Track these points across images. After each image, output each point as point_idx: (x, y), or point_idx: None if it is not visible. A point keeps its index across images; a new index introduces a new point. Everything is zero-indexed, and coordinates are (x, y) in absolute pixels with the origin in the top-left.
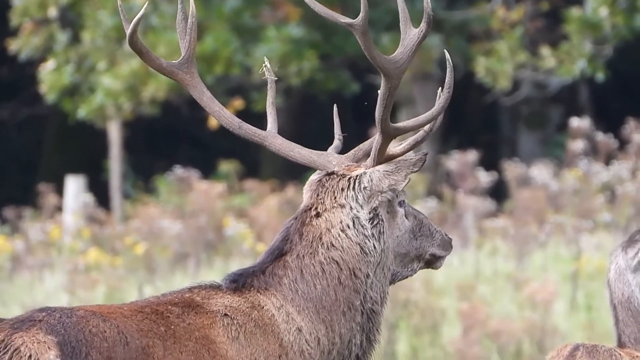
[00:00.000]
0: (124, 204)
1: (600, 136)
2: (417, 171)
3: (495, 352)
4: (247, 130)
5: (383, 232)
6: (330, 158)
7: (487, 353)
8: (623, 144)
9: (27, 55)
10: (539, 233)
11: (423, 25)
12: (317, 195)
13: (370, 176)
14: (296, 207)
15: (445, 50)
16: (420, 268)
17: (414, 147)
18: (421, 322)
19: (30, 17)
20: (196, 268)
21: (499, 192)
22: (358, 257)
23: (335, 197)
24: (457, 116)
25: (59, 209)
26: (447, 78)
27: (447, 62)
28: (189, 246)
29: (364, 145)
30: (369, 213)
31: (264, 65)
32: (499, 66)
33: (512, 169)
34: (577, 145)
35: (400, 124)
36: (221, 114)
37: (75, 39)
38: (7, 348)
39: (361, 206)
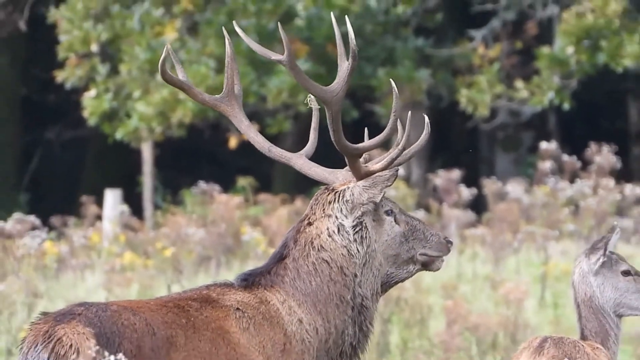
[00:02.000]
0: (155, 214)
1: (566, 157)
2: (390, 185)
3: (474, 343)
4: (276, 152)
5: (366, 237)
6: (338, 175)
7: (467, 344)
8: (586, 164)
9: (72, 84)
10: (512, 241)
11: (350, 60)
12: (311, 207)
13: (352, 190)
14: None
15: (390, 79)
16: (418, 270)
17: (390, 162)
18: (411, 317)
19: (75, 51)
20: (217, 269)
21: (478, 205)
22: (345, 257)
23: (324, 209)
24: (443, 139)
25: (98, 217)
26: (393, 103)
27: (394, 92)
28: (211, 250)
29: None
30: (353, 221)
31: (308, 97)
32: (479, 96)
33: (489, 185)
34: (546, 165)
35: (359, 145)
36: (255, 139)
37: (114, 71)
38: (51, 338)
39: (345, 216)
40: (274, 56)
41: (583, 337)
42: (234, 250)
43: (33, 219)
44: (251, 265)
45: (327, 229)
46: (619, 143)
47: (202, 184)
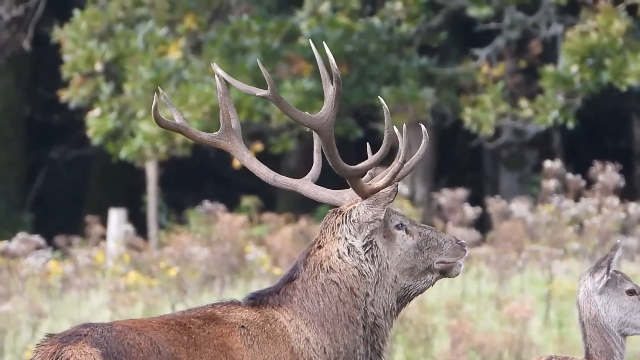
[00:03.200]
0: (159, 233)
1: (570, 176)
2: (392, 201)
3: None
4: (281, 181)
5: (377, 255)
6: (345, 195)
7: None
8: (590, 183)
9: (76, 103)
10: (517, 259)
11: (334, 84)
12: (321, 232)
13: (357, 210)
14: (308, 236)
15: (379, 97)
16: (437, 279)
17: (392, 177)
18: (415, 336)
19: (79, 71)
20: (221, 288)
21: (482, 224)
22: (355, 278)
23: (333, 232)
24: (447, 158)
25: (103, 237)
26: (385, 120)
27: (384, 109)
28: (215, 269)
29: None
30: (363, 241)
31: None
32: (483, 115)
33: (494, 204)
34: (550, 183)
35: (358, 165)
36: (259, 170)
37: (118, 90)
38: (58, 359)
39: (355, 236)
40: (259, 92)
41: (588, 356)
42: (239, 269)
43: (37, 238)
44: (255, 284)
45: (337, 250)
46: (623, 162)
47: (206, 204)
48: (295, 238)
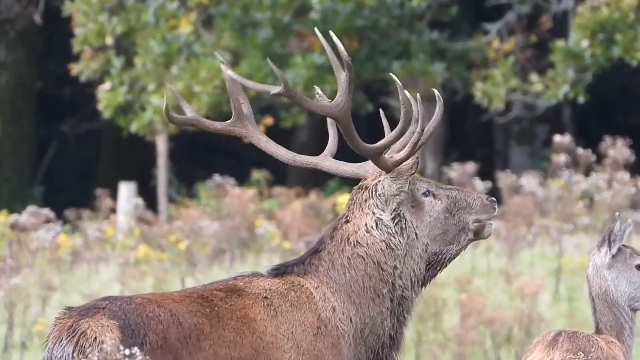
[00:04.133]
0: (169, 207)
1: (581, 151)
2: (414, 173)
3: (489, 337)
4: (301, 160)
5: (405, 227)
6: (367, 167)
7: (481, 337)
8: (600, 157)
9: (86, 77)
10: (527, 234)
11: (346, 70)
12: (348, 208)
13: (382, 184)
14: (318, 210)
15: (391, 74)
16: (470, 240)
17: (413, 147)
18: (425, 311)
19: (90, 44)
20: (231, 262)
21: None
22: (383, 252)
23: (361, 207)
24: (458, 133)
25: (113, 210)
26: (400, 96)
27: (398, 85)
28: (225, 243)
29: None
30: (390, 214)
31: (316, 93)
32: (493, 90)
33: (504, 179)
34: (560, 158)
35: (378, 143)
36: (277, 152)
37: (129, 64)
38: (75, 332)
39: (382, 210)
40: (273, 90)
41: (598, 331)
42: (248, 243)
43: (47, 212)
44: (265, 258)
45: (366, 224)
46: (633, 136)
47: (216, 177)
48: (305, 212)
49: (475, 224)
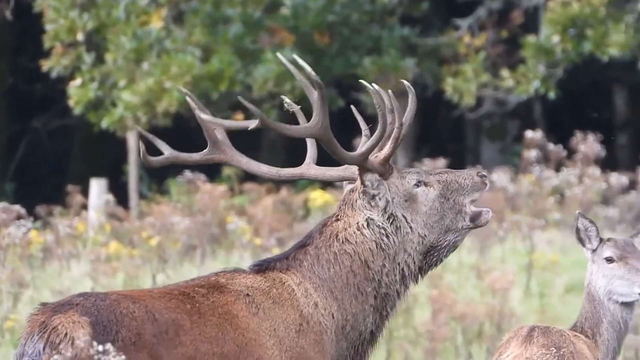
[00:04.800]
0: (140, 203)
1: (552, 146)
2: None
3: (460, 332)
4: (286, 174)
5: (400, 226)
6: (354, 169)
7: (453, 333)
8: (571, 153)
9: (57, 73)
10: (498, 230)
11: (317, 90)
12: (340, 207)
13: (372, 184)
14: (289, 206)
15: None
16: (468, 228)
17: (395, 142)
18: None
19: (61, 40)
20: (202, 258)
21: None
22: (372, 251)
23: (353, 207)
24: (429, 129)
25: (84, 207)
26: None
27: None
28: (196, 239)
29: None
30: (382, 214)
31: (284, 102)
32: (464, 85)
33: None
34: (531, 154)
35: (362, 150)
36: (260, 170)
37: (100, 60)
38: (46, 328)
39: (373, 210)
40: (251, 125)
41: (574, 326)
42: (220, 239)
43: (18, 208)
44: (236, 254)
45: (357, 223)
46: (604, 132)
47: (187, 173)
48: (276, 208)
49: (473, 209)
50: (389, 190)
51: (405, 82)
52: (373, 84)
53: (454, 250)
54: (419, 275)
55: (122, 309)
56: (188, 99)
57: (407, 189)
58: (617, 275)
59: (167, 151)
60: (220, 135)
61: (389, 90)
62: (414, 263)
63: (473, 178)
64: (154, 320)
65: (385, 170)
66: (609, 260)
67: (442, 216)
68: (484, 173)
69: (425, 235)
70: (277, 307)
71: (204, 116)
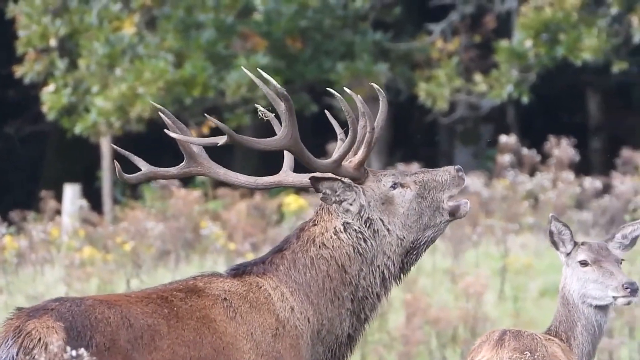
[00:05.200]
0: (114, 208)
1: (525, 151)
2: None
3: (434, 336)
4: (263, 182)
5: (377, 229)
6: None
7: (427, 337)
8: (545, 157)
9: (30, 79)
10: (472, 234)
11: (283, 102)
12: (316, 212)
13: (347, 190)
14: (263, 211)
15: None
16: (447, 222)
17: (369, 146)
18: None
19: (33, 46)
20: (176, 263)
21: None
22: (349, 256)
23: (330, 213)
24: (402, 133)
25: (58, 212)
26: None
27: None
28: (170, 244)
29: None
30: (360, 218)
31: (259, 110)
32: (437, 90)
33: None
34: (505, 158)
35: (335, 157)
36: (238, 180)
37: (73, 66)
38: (20, 332)
39: (345, 214)
40: (220, 142)
41: (548, 330)
42: (194, 244)
43: None
44: (210, 259)
45: (335, 227)
46: (578, 136)
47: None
48: (250, 213)
49: (451, 204)
50: (364, 194)
51: (375, 85)
52: (345, 88)
53: (432, 244)
54: (401, 275)
55: (97, 314)
56: (162, 115)
57: (383, 191)
58: (591, 279)
59: (144, 167)
60: (196, 147)
61: (358, 96)
62: (394, 265)
63: (451, 173)
64: (129, 326)
65: (360, 174)
66: (583, 263)
67: (420, 215)
68: (460, 167)
69: (404, 237)
70: (254, 311)
71: (173, 135)
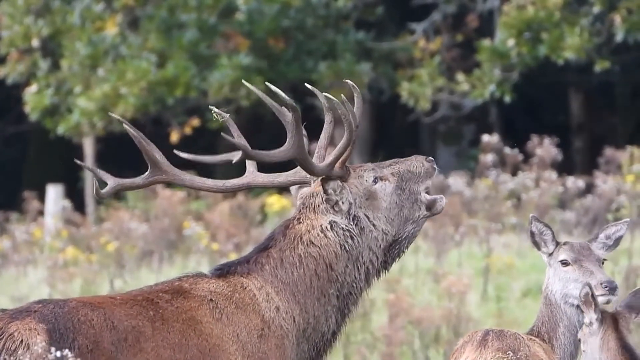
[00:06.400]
0: (98, 209)
1: (508, 150)
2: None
3: (417, 337)
4: (232, 185)
5: (363, 225)
6: (302, 172)
7: (410, 337)
8: (527, 157)
9: (13, 79)
10: (455, 234)
11: (291, 112)
12: (300, 210)
13: (332, 188)
14: (246, 212)
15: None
16: (425, 216)
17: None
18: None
19: (16, 47)
20: (160, 264)
21: None
22: (336, 254)
23: (315, 211)
24: (384, 133)
25: (40, 213)
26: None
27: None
28: (154, 245)
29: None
30: (345, 217)
31: (213, 112)
32: (420, 90)
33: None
34: (488, 158)
35: (328, 162)
36: (205, 185)
37: (55, 66)
38: (2, 335)
39: (336, 213)
40: (235, 159)
41: (531, 330)
42: (177, 244)
43: None
44: (193, 259)
45: (321, 225)
46: (560, 135)
47: None
48: (233, 213)
49: (428, 197)
50: (350, 191)
51: (349, 81)
52: (323, 94)
53: (413, 240)
54: (383, 270)
55: (80, 316)
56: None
57: (366, 187)
58: (572, 278)
59: (110, 180)
60: (159, 156)
61: (342, 95)
62: (377, 259)
63: (424, 165)
64: (112, 328)
65: (344, 172)
66: (564, 263)
67: (401, 207)
68: (431, 158)
69: (387, 232)
70: (240, 312)
71: (184, 155)
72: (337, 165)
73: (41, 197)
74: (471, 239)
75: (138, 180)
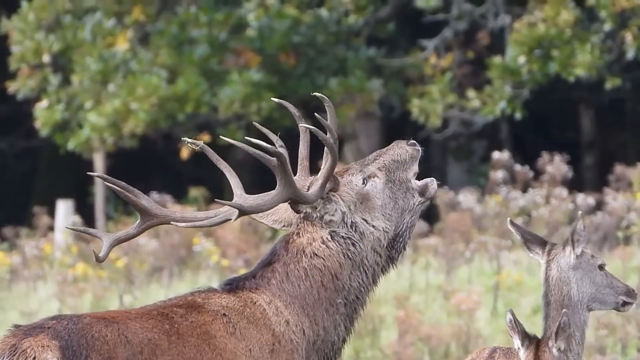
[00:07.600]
0: (107, 224)
1: (518, 167)
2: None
3: (427, 353)
4: (220, 217)
5: (363, 231)
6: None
7: (419, 354)
8: (538, 174)
9: (24, 95)
10: (465, 250)
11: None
12: (297, 225)
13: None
14: (256, 228)
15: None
16: (420, 203)
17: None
18: (362, 327)
19: (27, 62)
20: (169, 280)
21: (430, 215)
22: (340, 262)
23: (313, 224)
24: None
25: (50, 228)
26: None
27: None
28: (163, 261)
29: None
30: (345, 225)
31: (187, 142)
32: (431, 106)
33: (442, 195)
34: (498, 174)
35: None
36: (197, 217)
37: (66, 81)
38: (16, 351)
39: (329, 224)
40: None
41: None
42: (187, 261)
43: None
44: (204, 276)
45: (321, 237)
46: (571, 152)
47: (154, 194)
48: (243, 229)
49: (419, 183)
50: (343, 200)
51: (318, 94)
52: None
53: (413, 230)
54: (389, 266)
55: (94, 332)
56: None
57: (357, 191)
58: (606, 284)
59: (105, 238)
60: (146, 201)
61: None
62: (382, 258)
63: (407, 150)
64: (126, 343)
65: (333, 184)
66: (602, 267)
67: (395, 200)
68: (413, 142)
69: (388, 229)
70: (252, 327)
71: (183, 225)
72: (326, 186)
73: (51, 213)
74: (481, 255)
75: (132, 230)
